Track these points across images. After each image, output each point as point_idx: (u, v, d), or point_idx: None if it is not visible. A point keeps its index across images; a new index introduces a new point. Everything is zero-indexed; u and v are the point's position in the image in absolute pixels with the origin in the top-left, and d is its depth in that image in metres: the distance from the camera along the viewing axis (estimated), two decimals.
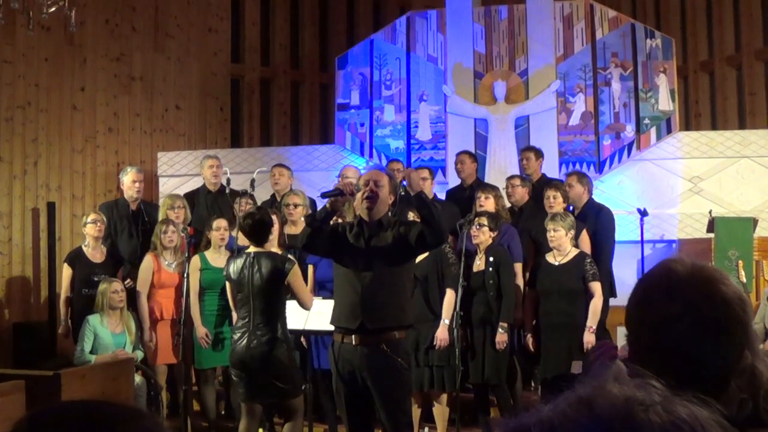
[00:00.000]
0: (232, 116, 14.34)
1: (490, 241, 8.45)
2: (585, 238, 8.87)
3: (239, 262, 7.29)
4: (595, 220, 9.22)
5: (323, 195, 6.55)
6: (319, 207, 8.64)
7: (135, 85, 13.13)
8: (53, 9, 8.06)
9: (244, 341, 7.12)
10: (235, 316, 7.75)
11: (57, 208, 11.87)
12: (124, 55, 13.02)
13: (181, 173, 12.48)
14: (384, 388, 6.22)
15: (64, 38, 12.13)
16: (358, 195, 6.43)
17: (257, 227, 7.28)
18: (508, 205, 9.62)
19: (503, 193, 9.65)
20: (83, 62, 12.55)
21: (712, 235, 10.00)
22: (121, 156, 12.84)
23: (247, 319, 7.18)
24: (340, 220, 7.19)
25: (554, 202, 8.94)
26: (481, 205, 8.91)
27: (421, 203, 6.26)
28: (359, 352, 6.26)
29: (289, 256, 7.76)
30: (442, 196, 10.59)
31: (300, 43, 15.12)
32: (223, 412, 9.40)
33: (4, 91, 11.75)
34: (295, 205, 9.17)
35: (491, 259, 8.35)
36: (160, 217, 9.60)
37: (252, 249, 7.33)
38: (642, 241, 9.74)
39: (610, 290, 9.03)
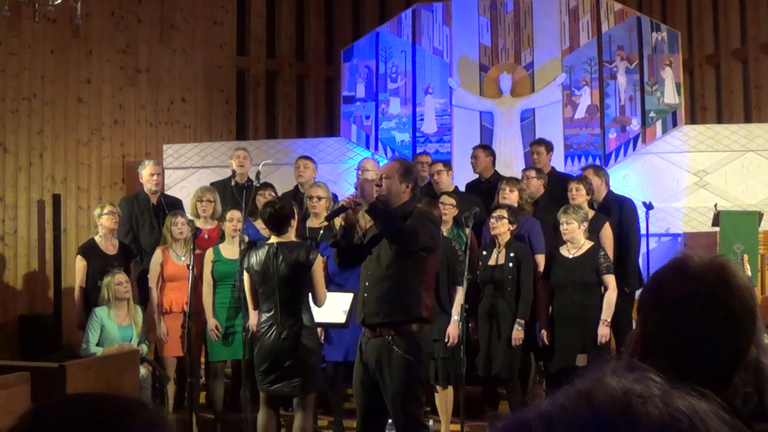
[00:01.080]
0: (237, 109, 14.34)
1: (509, 235, 8.42)
2: (608, 232, 8.82)
3: (262, 253, 7.27)
4: (619, 213, 9.22)
5: (327, 219, 6.53)
6: (341, 199, 8.63)
7: (140, 78, 13.13)
8: (59, 1, 8.06)
9: (273, 333, 7.11)
10: (251, 309, 7.74)
11: (62, 200, 11.89)
12: (129, 47, 13.02)
13: (186, 165, 12.48)
14: (388, 380, 6.23)
15: (69, 30, 12.13)
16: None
17: (277, 217, 7.28)
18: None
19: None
20: (89, 54, 12.56)
21: (717, 228, 9.98)
22: (127, 148, 12.86)
23: (273, 312, 7.16)
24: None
25: (577, 194, 8.87)
26: (504, 197, 8.85)
27: (374, 216, 6.21)
28: (371, 345, 6.33)
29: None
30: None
31: (305, 35, 15.11)
32: (230, 405, 9.39)
33: (10, 83, 11.77)
34: (319, 198, 9.09)
35: (512, 254, 8.32)
36: (189, 209, 9.61)
37: (273, 239, 7.33)
38: (647, 235, 9.76)
39: (638, 282, 9.03)
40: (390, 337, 6.20)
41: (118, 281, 8.81)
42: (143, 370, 8.38)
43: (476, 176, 10.52)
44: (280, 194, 9.64)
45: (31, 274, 11.79)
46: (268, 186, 9.57)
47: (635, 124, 11.71)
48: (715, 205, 10.27)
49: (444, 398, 8.35)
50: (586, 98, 11.89)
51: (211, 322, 8.75)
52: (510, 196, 8.81)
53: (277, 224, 7.29)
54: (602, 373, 1.18)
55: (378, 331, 6.27)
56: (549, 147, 10.43)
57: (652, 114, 11.66)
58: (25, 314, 11.48)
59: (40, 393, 5.89)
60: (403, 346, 6.18)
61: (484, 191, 9.79)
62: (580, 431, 1.10)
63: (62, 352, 10.00)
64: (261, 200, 9.27)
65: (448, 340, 8.09)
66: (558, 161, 11.22)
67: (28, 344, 11.05)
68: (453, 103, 12.27)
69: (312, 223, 9.06)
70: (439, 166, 9.94)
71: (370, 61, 12.66)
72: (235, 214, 8.93)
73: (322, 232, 8.89)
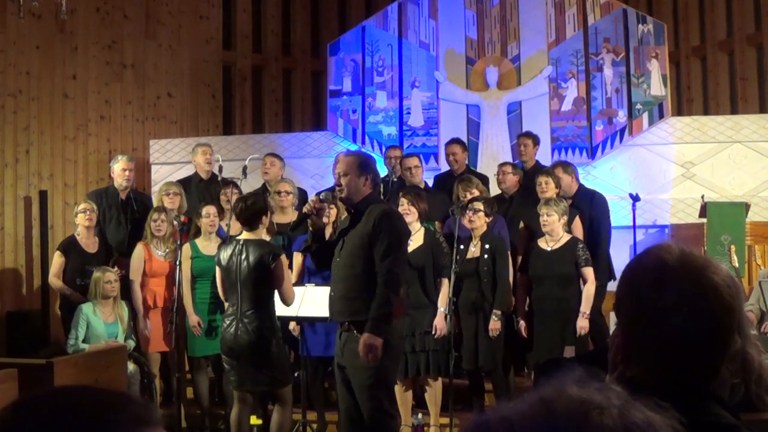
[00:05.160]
0: (224, 103, 14.30)
1: (486, 227, 8.44)
2: (578, 225, 8.88)
3: (229, 250, 7.31)
4: (590, 206, 9.26)
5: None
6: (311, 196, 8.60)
7: (126, 73, 13.09)
8: None
9: (232, 329, 7.15)
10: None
11: (49, 196, 11.86)
12: (115, 42, 12.98)
13: (173, 161, 12.45)
14: (353, 373, 6.23)
15: (55, 26, 12.09)
16: (336, 189, 6.43)
17: (250, 212, 7.28)
18: (496, 192, 9.66)
19: (493, 179, 9.71)
20: (74, 50, 12.51)
21: (704, 220, 10.01)
22: (113, 144, 12.82)
23: (235, 307, 7.20)
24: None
25: (546, 187, 8.93)
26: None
27: (380, 330, 6.09)
28: (341, 340, 6.36)
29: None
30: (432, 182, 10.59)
31: (292, 29, 15.07)
32: (216, 399, 9.40)
33: None
34: (287, 193, 9.19)
35: (487, 246, 8.34)
36: (155, 203, 9.58)
37: (243, 236, 7.34)
38: (634, 227, 9.77)
39: (608, 274, 9.07)
40: (355, 332, 6.19)
41: (107, 279, 8.77)
42: (131, 366, 8.37)
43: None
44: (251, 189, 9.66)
45: (18, 271, 11.76)
46: (230, 183, 9.55)
47: (622, 116, 11.72)
48: (702, 197, 10.29)
49: (433, 391, 8.36)
50: (572, 91, 11.90)
51: (193, 318, 8.75)
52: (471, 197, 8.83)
53: (249, 220, 7.30)
54: (565, 381, 1.21)
55: (346, 326, 6.29)
56: (536, 140, 10.47)
57: (638, 106, 11.68)
58: (12, 311, 11.45)
59: (27, 390, 5.87)
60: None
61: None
62: None
63: (50, 348, 9.98)
64: (224, 199, 9.31)
65: (435, 332, 8.10)
66: (545, 154, 11.24)
67: (15, 341, 11.02)
68: (440, 97, 12.28)
69: (278, 218, 9.07)
70: (415, 161, 10.01)
71: (356, 54, 12.65)
72: (210, 210, 8.94)
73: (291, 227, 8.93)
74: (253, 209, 7.30)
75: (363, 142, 12.36)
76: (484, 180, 9.77)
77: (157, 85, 13.39)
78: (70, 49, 12.48)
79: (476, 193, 8.89)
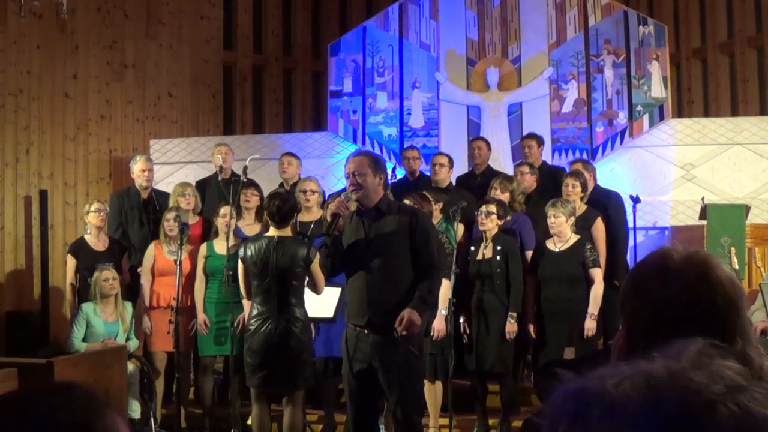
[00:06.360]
0: (224, 103, 14.31)
1: (497, 229, 8.41)
2: (600, 226, 8.83)
3: (260, 246, 7.23)
4: (606, 207, 9.25)
5: (328, 233, 6.41)
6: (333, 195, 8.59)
7: (127, 73, 13.09)
8: None
9: (269, 326, 7.08)
10: (245, 303, 7.68)
11: (49, 195, 11.86)
12: (116, 42, 12.98)
13: (173, 161, 12.45)
14: (394, 374, 6.17)
15: (56, 25, 12.08)
16: (349, 189, 6.35)
17: (287, 208, 7.25)
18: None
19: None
20: (75, 49, 12.51)
21: (704, 222, 10.00)
22: (114, 143, 12.82)
23: (268, 305, 7.13)
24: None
25: (573, 191, 8.88)
26: (495, 197, 8.81)
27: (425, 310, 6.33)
28: (371, 340, 6.24)
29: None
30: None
31: (292, 30, 15.08)
32: (216, 400, 9.38)
33: None
34: (312, 192, 9.10)
35: (499, 247, 8.31)
36: (171, 204, 9.59)
37: (272, 233, 7.30)
38: (635, 228, 9.75)
39: (627, 273, 9.03)
40: (397, 333, 6.12)
41: (105, 278, 8.78)
42: (131, 366, 8.36)
43: (463, 171, 10.52)
44: (265, 190, 9.62)
45: (18, 271, 11.75)
46: (252, 184, 9.52)
47: (622, 118, 11.72)
48: (702, 199, 10.29)
49: (432, 393, 8.34)
50: (573, 92, 11.90)
51: (201, 316, 8.77)
52: (501, 197, 8.78)
53: (284, 216, 7.26)
54: (681, 356, 1.10)
55: (383, 327, 6.20)
56: (540, 141, 10.46)
57: (639, 108, 11.67)
58: (12, 310, 11.44)
59: None
60: (409, 339, 6.13)
61: (477, 186, 9.77)
62: (641, 427, 1.03)
63: (50, 348, 9.99)
64: (244, 199, 9.27)
65: (434, 335, 8.07)
66: (545, 155, 11.21)
67: (15, 340, 11.02)
68: (440, 98, 12.28)
69: (303, 217, 9.05)
70: (443, 160, 9.92)
71: (357, 55, 12.65)
72: (228, 210, 8.90)
73: (312, 226, 8.87)
74: (288, 205, 7.29)
75: (363, 143, 12.35)
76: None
77: (158, 84, 13.40)
78: (71, 49, 12.48)
79: (506, 195, 8.87)
